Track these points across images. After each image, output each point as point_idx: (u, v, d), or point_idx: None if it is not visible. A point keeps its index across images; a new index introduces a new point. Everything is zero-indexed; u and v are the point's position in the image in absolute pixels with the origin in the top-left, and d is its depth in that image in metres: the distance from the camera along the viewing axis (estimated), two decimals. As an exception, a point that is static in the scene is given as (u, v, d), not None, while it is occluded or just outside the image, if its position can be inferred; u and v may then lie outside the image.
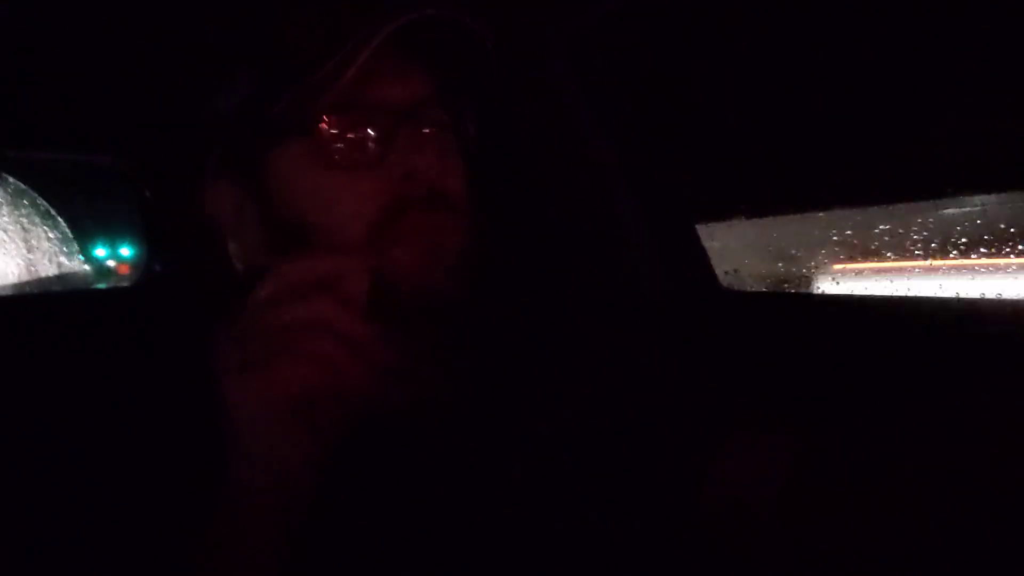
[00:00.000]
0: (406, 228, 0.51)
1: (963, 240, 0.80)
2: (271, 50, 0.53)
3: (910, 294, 0.88)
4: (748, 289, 1.11)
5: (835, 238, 0.94)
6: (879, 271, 0.88)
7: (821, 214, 0.97)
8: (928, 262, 0.83)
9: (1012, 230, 0.76)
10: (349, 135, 0.51)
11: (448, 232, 0.53)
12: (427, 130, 0.53)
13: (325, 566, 0.45)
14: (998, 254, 0.78)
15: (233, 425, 0.41)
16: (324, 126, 0.50)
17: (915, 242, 0.84)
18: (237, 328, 0.42)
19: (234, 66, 0.56)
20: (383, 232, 0.50)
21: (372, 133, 0.51)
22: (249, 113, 0.53)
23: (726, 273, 1.10)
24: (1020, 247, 0.76)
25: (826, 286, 0.99)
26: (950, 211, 0.82)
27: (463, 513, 0.50)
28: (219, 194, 0.56)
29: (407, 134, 0.51)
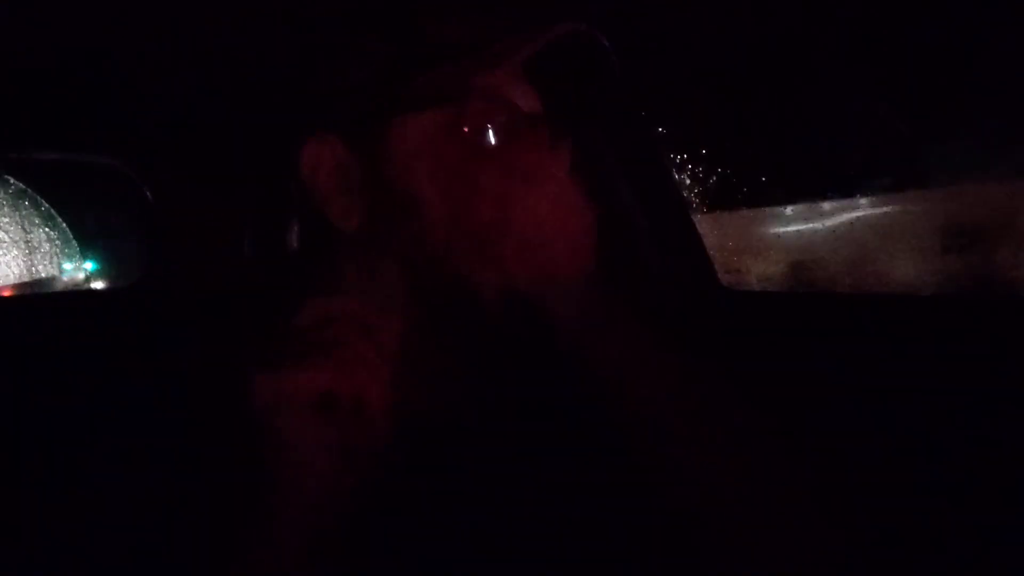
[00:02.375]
0: (515, 232, 0.52)
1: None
2: (413, 30, 0.55)
3: (910, 292, 0.88)
4: (749, 288, 1.11)
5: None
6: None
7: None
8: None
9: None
10: (483, 117, 0.53)
11: (544, 247, 0.53)
12: (544, 143, 0.55)
13: (354, 568, 0.44)
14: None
15: (259, 421, 0.42)
16: (464, 103, 0.52)
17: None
18: (274, 330, 0.44)
19: (359, 41, 0.57)
20: (491, 232, 0.52)
21: (502, 122, 0.53)
22: (385, 81, 0.54)
23: (727, 272, 1.10)
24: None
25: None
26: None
27: (492, 519, 0.50)
28: (323, 154, 0.56)
29: (529, 135, 0.54)
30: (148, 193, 0.99)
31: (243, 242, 0.84)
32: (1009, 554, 0.65)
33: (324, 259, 0.59)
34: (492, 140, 0.53)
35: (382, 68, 0.54)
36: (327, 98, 0.58)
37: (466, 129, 0.52)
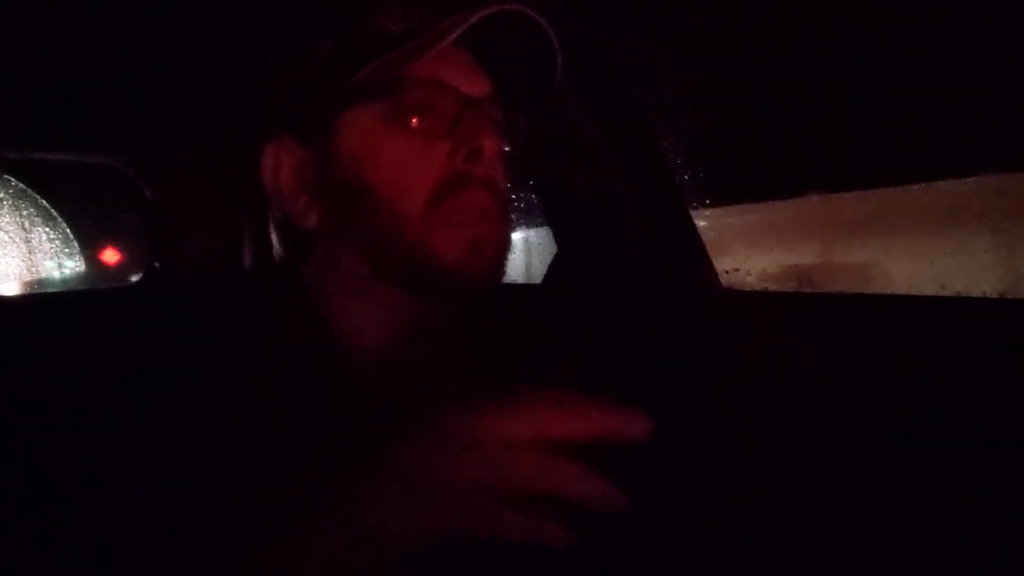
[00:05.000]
0: (462, 206, 0.53)
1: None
2: (357, 27, 0.56)
3: (910, 293, 0.88)
4: (750, 288, 1.11)
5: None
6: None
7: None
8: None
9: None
10: (425, 103, 0.54)
11: (496, 222, 0.55)
12: (491, 124, 0.57)
13: None
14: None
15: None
16: (404, 92, 0.53)
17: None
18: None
19: (308, 41, 0.59)
20: (440, 205, 0.53)
21: (445, 107, 0.54)
22: (330, 78, 0.56)
23: (726, 272, 1.10)
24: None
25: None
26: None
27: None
28: (280, 157, 0.58)
29: (474, 118, 0.55)
30: (148, 193, 0.99)
31: (242, 244, 0.84)
32: (1008, 554, 0.65)
33: (293, 257, 0.61)
34: (436, 125, 0.54)
35: (327, 66, 0.56)
36: (281, 101, 0.60)
37: (407, 117, 0.53)
